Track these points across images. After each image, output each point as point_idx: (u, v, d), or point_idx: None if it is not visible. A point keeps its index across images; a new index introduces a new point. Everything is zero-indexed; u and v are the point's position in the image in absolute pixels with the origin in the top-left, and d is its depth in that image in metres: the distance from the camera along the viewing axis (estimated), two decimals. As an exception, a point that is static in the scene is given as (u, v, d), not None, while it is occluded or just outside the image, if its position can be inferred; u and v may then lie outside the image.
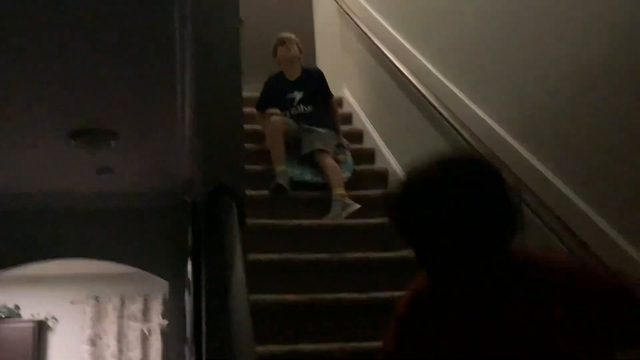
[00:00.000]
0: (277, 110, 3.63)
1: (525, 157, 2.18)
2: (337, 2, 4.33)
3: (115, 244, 4.65)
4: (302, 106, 3.67)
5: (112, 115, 3.44)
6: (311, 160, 3.45)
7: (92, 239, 4.66)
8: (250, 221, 2.70)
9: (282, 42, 3.75)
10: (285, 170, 3.26)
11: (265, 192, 3.15)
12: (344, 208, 3.13)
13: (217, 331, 1.52)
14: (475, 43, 2.64)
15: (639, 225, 1.68)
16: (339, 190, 3.22)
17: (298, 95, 3.69)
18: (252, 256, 2.43)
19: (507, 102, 2.37)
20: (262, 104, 3.76)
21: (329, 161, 3.41)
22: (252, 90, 4.42)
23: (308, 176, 3.40)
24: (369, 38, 3.69)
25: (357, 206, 3.11)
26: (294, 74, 3.75)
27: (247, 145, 3.38)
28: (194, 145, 2.10)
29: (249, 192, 2.97)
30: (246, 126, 3.48)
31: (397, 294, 2.49)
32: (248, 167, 3.16)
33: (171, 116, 3.21)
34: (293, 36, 3.81)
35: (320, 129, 3.55)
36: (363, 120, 4.01)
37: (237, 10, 2.04)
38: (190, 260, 2.07)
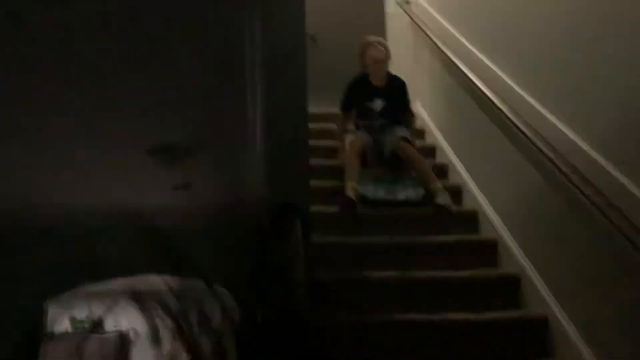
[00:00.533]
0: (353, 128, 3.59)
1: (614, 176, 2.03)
2: (408, 15, 4.27)
3: (190, 261, 4.73)
4: (382, 119, 3.51)
5: (188, 132, 3.51)
6: (385, 178, 3.38)
7: (167, 255, 4.75)
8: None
9: (371, 43, 3.60)
10: (356, 187, 3.18)
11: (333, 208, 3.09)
12: (447, 200, 3.16)
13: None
14: (561, 55, 2.50)
15: None
16: (435, 184, 3.22)
17: (380, 105, 3.51)
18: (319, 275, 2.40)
19: (591, 118, 2.23)
20: (346, 104, 3.60)
21: (415, 152, 3.38)
22: (320, 105, 4.43)
23: (381, 193, 3.31)
24: (442, 51, 3.61)
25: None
26: (380, 79, 3.57)
27: (314, 161, 3.38)
28: (263, 163, 2.09)
29: (317, 208, 2.97)
30: (312, 142, 3.50)
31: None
32: (316, 183, 3.16)
33: (244, 134, 3.23)
34: (382, 39, 3.76)
35: (398, 127, 3.51)
36: (436, 135, 3.92)
37: (303, 25, 2.03)
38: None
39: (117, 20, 2.29)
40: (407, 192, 3.31)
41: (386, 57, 3.57)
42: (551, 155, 2.32)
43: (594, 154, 2.14)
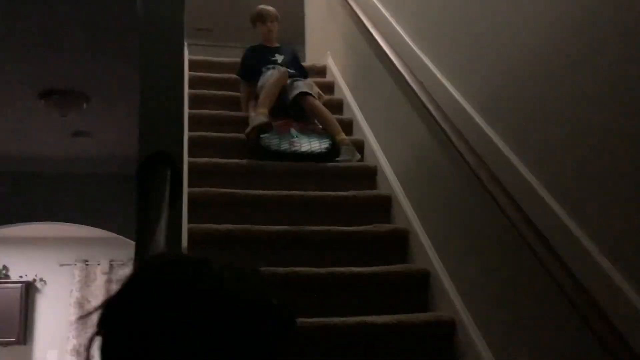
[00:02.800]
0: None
1: (488, 134, 2.07)
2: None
3: (94, 209, 4.63)
4: (285, 67, 3.61)
5: (82, 78, 3.38)
6: (289, 131, 3.33)
7: (70, 203, 4.63)
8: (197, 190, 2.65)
9: (263, 18, 3.79)
10: (266, 113, 3.23)
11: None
12: (353, 154, 3.24)
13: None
14: (442, 10, 2.52)
15: (591, 209, 1.59)
16: (342, 136, 3.29)
17: (280, 59, 3.69)
18: (194, 226, 2.36)
19: (472, 75, 2.26)
20: (246, 71, 3.67)
21: (319, 104, 3.42)
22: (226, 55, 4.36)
23: (285, 145, 3.24)
24: (348, 3, 3.57)
25: (359, 156, 3.27)
26: (272, 44, 3.82)
27: (196, 111, 3.31)
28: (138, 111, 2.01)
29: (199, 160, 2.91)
30: (193, 91, 3.42)
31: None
32: (196, 133, 3.09)
33: (132, 83, 3.14)
34: (273, 10, 3.84)
35: (302, 79, 3.59)
36: (344, 90, 3.90)
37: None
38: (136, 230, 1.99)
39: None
40: (312, 145, 3.26)
41: (275, 30, 3.82)
42: (436, 114, 2.34)
43: (473, 113, 2.18)
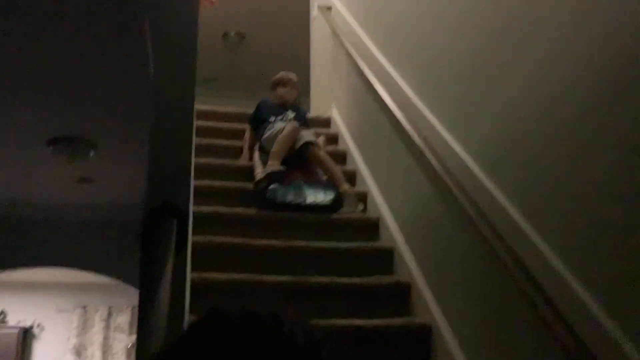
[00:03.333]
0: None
1: (488, 188, 2.10)
2: (327, 21, 4.29)
3: (96, 255, 4.62)
4: (295, 122, 3.72)
5: (90, 126, 3.42)
6: (293, 182, 3.36)
7: (72, 248, 4.63)
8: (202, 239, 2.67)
9: (285, 83, 3.99)
10: (275, 166, 3.30)
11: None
12: (356, 205, 3.32)
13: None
14: (445, 66, 2.59)
15: (598, 269, 1.60)
16: (346, 186, 3.36)
17: (291, 115, 3.83)
18: (197, 275, 2.37)
19: (475, 131, 2.30)
20: (257, 119, 3.82)
21: (323, 154, 3.52)
22: (245, 106, 4.45)
23: (290, 197, 3.27)
24: (352, 57, 3.66)
25: (362, 206, 3.35)
26: (287, 103, 3.99)
27: (203, 160, 3.36)
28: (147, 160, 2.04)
29: (204, 209, 2.93)
30: (199, 140, 3.47)
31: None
32: (203, 182, 3.14)
33: (144, 130, 3.18)
34: (294, 77, 4.05)
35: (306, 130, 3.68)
36: (347, 141, 3.96)
37: (195, 32, 2.01)
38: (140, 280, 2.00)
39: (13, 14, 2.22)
40: (317, 197, 3.29)
41: (294, 96, 4.01)
42: (438, 167, 2.38)
43: (474, 167, 2.21)
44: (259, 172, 3.36)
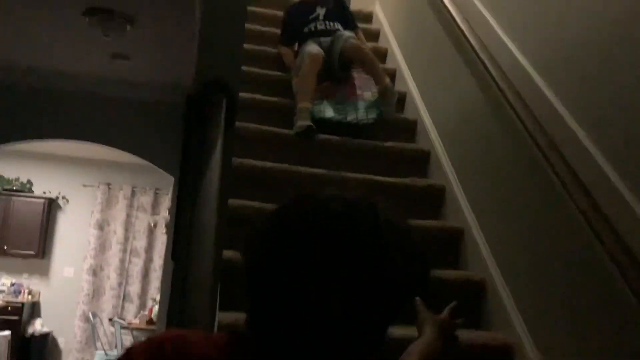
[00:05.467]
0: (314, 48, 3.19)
1: (546, 95, 2.02)
2: None
3: (125, 133, 4.64)
4: (327, 22, 3.36)
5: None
6: (335, 96, 3.15)
7: (101, 124, 4.64)
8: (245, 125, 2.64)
9: None
10: (309, 108, 2.92)
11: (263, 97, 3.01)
12: (394, 106, 3.08)
13: (180, 236, 1.47)
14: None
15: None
16: (387, 80, 3.10)
17: (322, 11, 3.41)
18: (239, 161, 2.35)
19: (533, 35, 2.19)
20: (287, 36, 3.44)
21: (365, 48, 3.24)
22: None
23: (330, 112, 3.04)
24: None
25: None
26: None
27: (249, 47, 3.25)
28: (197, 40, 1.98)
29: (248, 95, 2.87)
30: (250, 26, 3.35)
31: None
32: (250, 69, 3.07)
33: (184, 8, 3.08)
34: None
35: (345, 31, 3.35)
36: (390, 39, 3.83)
37: None
38: (182, 158, 1.99)
39: None
40: (358, 114, 3.08)
41: None
42: (492, 69, 2.29)
43: (533, 73, 2.12)
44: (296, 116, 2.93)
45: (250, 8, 3.72)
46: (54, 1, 3.36)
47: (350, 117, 3.05)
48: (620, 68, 1.72)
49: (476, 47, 2.48)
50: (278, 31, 3.55)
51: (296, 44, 3.39)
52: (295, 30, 3.40)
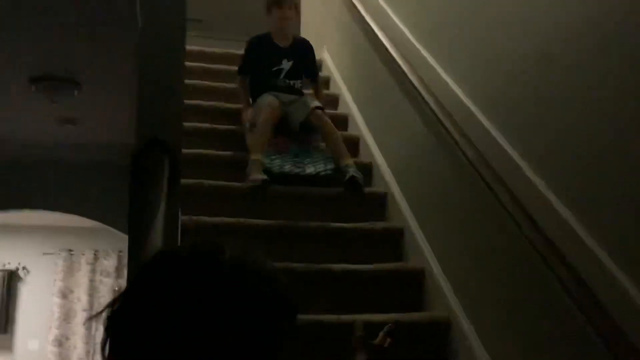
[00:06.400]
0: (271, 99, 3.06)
1: (489, 130, 2.04)
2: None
3: (79, 197, 4.56)
4: (290, 80, 3.20)
5: (74, 65, 3.31)
6: (290, 150, 3.04)
7: (55, 190, 4.55)
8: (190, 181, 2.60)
9: (281, 3, 3.18)
10: (260, 160, 2.81)
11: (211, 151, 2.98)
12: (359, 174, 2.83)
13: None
14: (446, 6, 2.49)
15: (599, 212, 1.56)
16: (348, 160, 2.89)
17: (287, 66, 3.20)
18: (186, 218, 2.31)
19: (473, 71, 2.23)
20: (246, 69, 3.27)
21: (330, 123, 3.02)
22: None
23: (288, 167, 2.93)
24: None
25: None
26: (284, 39, 3.25)
27: (193, 102, 3.24)
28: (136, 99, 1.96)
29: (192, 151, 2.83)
30: (191, 81, 3.34)
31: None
32: (192, 124, 3.05)
33: (128, 68, 3.07)
34: None
35: (308, 95, 3.23)
36: (340, 85, 3.87)
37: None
38: (128, 219, 1.94)
39: None
40: (317, 166, 2.97)
41: (292, 17, 3.28)
42: (436, 108, 2.31)
43: (475, 110, 2.15)
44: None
45: (200, 64, 3.76)
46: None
47: (309, 170, 2.95)
48: (555, 104, 1.75)
49: (418, 86, 2.51)
50: (225, 85, 3.57)
51: (250, 99, 3.26)
52: (254, 63, 3.23)
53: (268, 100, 3.04)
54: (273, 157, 2.95)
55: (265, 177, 2.72)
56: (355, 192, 2.78)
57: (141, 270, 0.72)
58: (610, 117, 1.53)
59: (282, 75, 3.20)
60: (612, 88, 1.53)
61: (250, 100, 3.23)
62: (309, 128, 3.09)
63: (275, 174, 2.83)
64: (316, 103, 3.11)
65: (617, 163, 1.50)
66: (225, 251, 0.71)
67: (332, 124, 3.04)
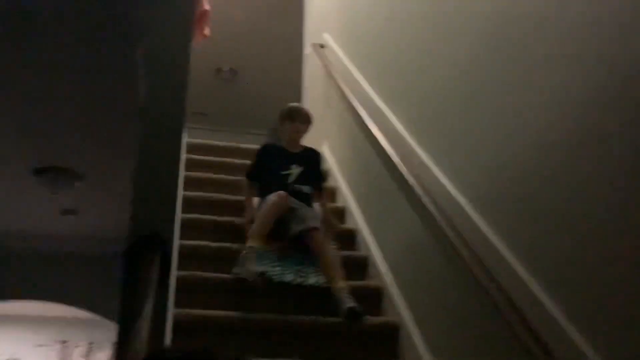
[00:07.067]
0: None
1: (482, 231, 2.06)
2: (320, 59, 4.30)
3: (76, 288, 4.53)
4: (298, 185, 3.17)
5: (76, 157, 3.38)
6: (293, 257, 2.92)
7: (51, 281, 4.53)
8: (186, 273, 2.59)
9: (295, 118, 3.34)
10: (254, 248, 2.77)
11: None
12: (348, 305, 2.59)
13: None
14: (440, 107, 2.57)
15: (584, 306, 1.55)
16: (341, 284, 2.70)
17: (296, 171, 3.22)
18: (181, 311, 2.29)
19: (467, 169, 2.27)
20: (255, 173, 3.27)
21: (327, 246, 2.88)
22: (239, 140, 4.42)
23: (290, 276, 2.80)
24: (345, 94, 3.65)
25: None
26: (295, 147, 3.36)
27: (191, 194, 3.29)
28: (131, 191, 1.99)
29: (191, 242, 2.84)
30: (188, 173, 3.40)
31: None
32: (191, 216, 3.07)
33: (130, 164, 3.14)
34: (306, 109, 3.50)
35: (313, 209, 3.17)
36: (338, 179, 3.92)
37: (187, 60, 1.98)
38: (119, 313, 1.93)
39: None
40: (319, 277, 2.82)
41: (305, 132, 3.41)
42: (431, 207, 2.34)
43: (463, 202, 2.18)
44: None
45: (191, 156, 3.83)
46: (2, 161, 3.39)
47: (312, 280, 2.80)
48: (545, 199, 1.78)
49: (414, 184, 2.55)
50: (219, 175, 3.67)
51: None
52: (263, 169, 3.24)
53: (277, 193, 2.99)
54: (274, 263, 2.83)
55: (261, 270, 2.65)
56: (356, 322, 2.58)
57: None
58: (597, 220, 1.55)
59: (291, 180, 3.19)
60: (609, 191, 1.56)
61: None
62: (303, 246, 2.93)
63: (274, 283, 2.73)
64: (315, 223, 2.93)
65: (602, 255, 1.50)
66: (217, 356, 0.71)
67: (326, 247, 2.87)
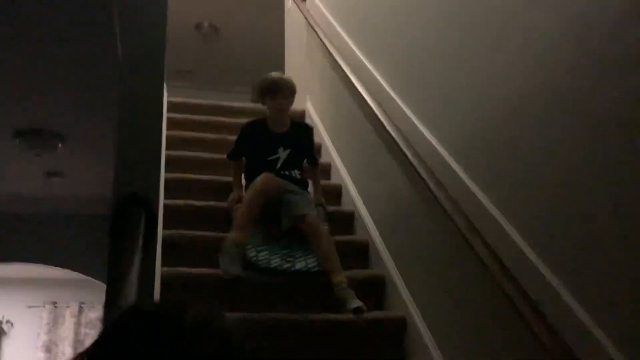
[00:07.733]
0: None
1: (463, 179, 2.08)
2: (302, 13, 4.25)
3: (64, 250, 4.54)
4: (287, 171, 2.96)
5: (58, 118, 3.35)
6: (281, 240, 2.78)
7: (39, 243, 4.54)
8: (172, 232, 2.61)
9: (276, 92, 2.97)
10: (239, 241, 2.58)
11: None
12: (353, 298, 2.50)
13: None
14: (421, 60, 2.57)
15: (571, 262, 1.59)
16: (340, 277, 2.56)
17: (283, 155, 2.97)
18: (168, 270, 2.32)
19: (447, 123, 2.28)
20: (236, 153, 3.06)
21: (322, 230, 2.73)
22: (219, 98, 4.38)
23: (277, 261, 2.66)
24: (328, 49, 3.62)
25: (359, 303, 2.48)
26: (281, 126, 3.03)
27: (173, 153, 3.27)
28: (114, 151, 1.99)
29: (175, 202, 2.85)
30: (173, 132, 3.37)
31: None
32: (174, 175, 3.07)
33: (111, 123, 3.11)
34: (288, 79, 3.09)
35: (305, 193, 2.96)
36: (322, 134, 3.92)
37: (164, 28, 1.95)
38: (107, 273, 1.95)
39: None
40: (308, 260, 2.69)
41: (289, 105, 3.06)
42: (413, 160, 2.35)
43: (447, 157, 2.20)
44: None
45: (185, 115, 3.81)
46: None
47: (299, 265, 2.66)
48: (526, 150, 1.80)
49: (398, 140, 2.56)
50: (207, 135, 3.66)
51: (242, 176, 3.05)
52: (246, 149, 3.03)
53: (264, 175, 2.80)
54: (260, 248, 2.71)
55: (238, 273, 2.46)
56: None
57: (107, 326, 0.75)
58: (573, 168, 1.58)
59: (278, 165, 2.95)
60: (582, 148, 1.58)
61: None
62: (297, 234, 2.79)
63: (260, 268, 2.62)
64: (307, 210, 2.77)
65: (578, 208, 1.53)
66: (188, 309, 0.73)
67: (324, 234, 2.73)
